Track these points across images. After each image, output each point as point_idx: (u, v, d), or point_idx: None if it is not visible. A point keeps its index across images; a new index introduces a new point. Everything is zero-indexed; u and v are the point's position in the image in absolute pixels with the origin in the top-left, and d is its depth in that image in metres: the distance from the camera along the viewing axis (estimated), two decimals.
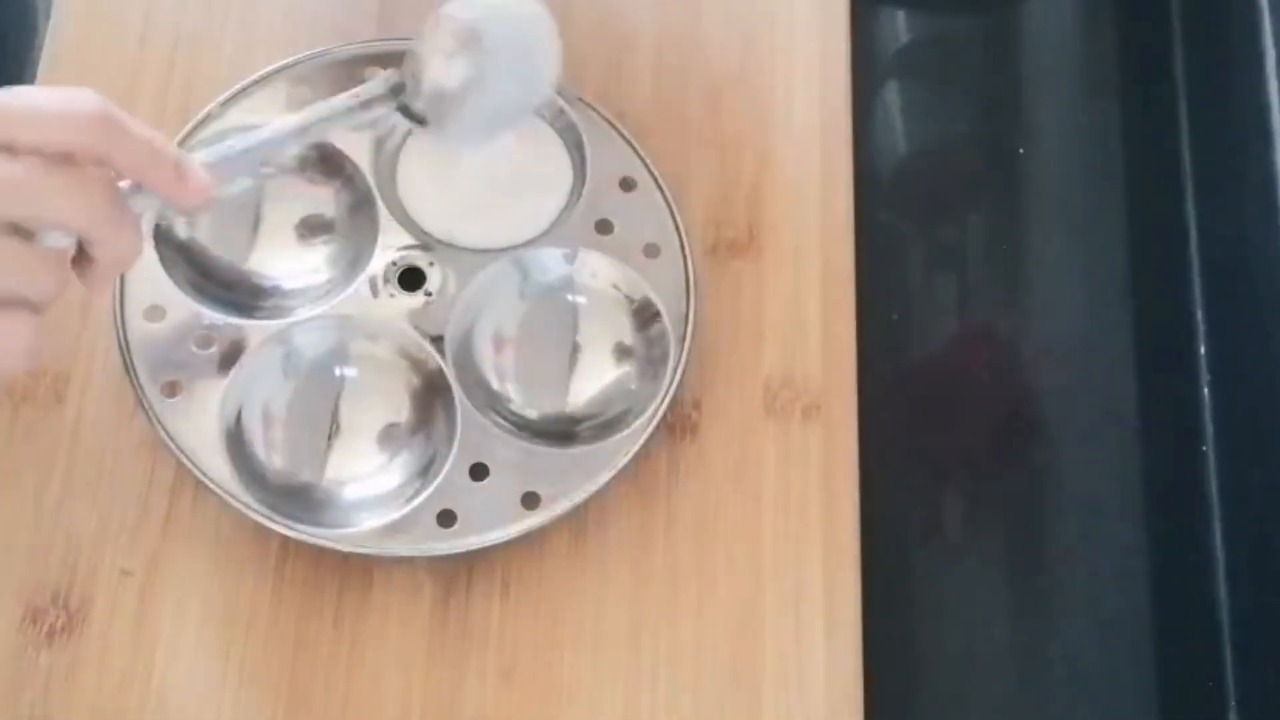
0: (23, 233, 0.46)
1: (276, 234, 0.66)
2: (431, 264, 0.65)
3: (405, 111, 0.58)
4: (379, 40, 0.70)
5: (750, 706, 0.61)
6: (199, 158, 0.52)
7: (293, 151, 0.65)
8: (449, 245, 0.66)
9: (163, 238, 0.65)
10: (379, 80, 0.58)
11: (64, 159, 0.46)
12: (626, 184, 0.67)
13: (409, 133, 0.68)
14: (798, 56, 0.72)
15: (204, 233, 0.66)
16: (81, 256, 0.49)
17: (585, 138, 0.68)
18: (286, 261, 0.66)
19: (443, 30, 0.58)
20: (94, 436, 0.64)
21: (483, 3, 0.59)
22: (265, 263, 0.66)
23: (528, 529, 0.61)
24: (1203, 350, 0.71)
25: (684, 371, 0.64)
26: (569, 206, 0.67)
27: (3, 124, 0.46)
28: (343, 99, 0.57)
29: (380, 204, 0.66)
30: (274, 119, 0.57)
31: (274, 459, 0.63)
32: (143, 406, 0.62)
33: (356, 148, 0.67)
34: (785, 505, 0.64)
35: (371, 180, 0.66)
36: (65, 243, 0.48)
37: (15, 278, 0.46)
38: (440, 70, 0.57)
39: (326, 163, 0.67)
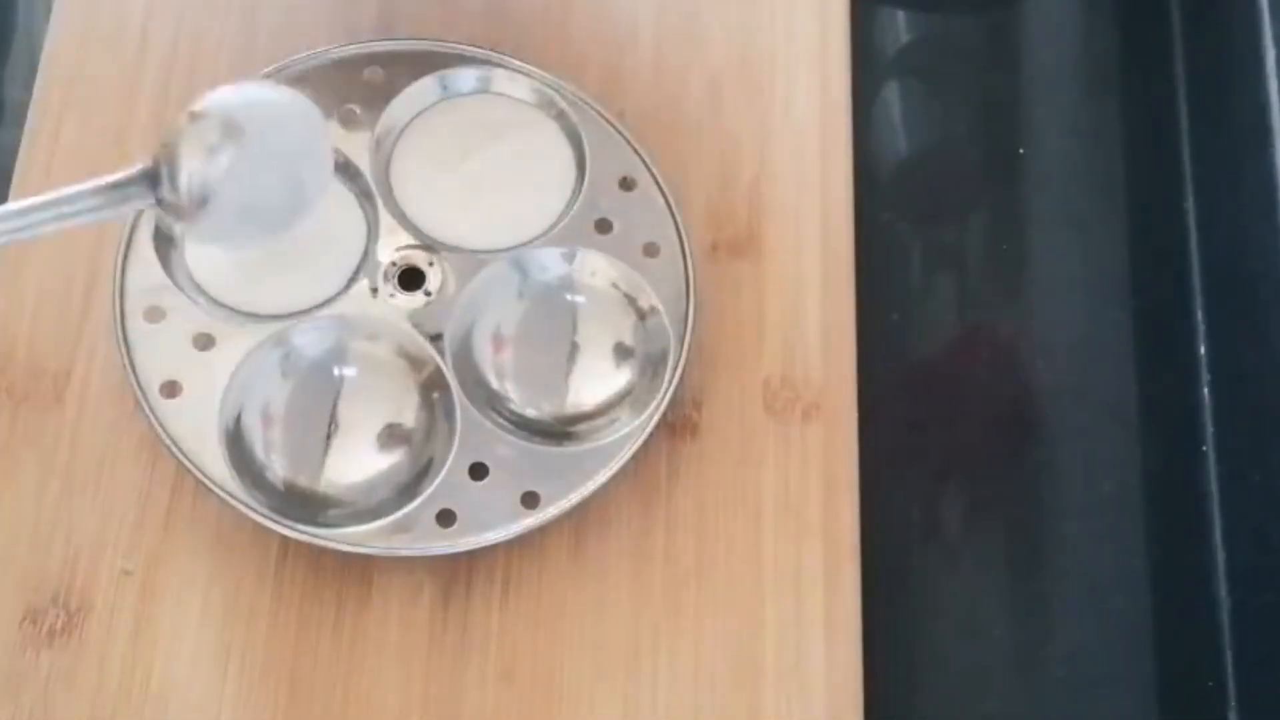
0: None
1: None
2: (431, 264, 0.65)
3: (163, 205, 0.54)
4: (379, 40, 0.70)
5: (750, 706, 0.61)
6: None
7: (28, 238, 0.55)
8: (449, 245, 0.66)
9: (161, 236, 0.65)
10: (131, 169, 0.54)
11: None
12: (626, 184, 0.67)
13: (403, 132, 0.68)
14: (798, 56, 0.72)
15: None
16: None
17: (585, 137, 0.68)
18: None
19: (204, 121, 0.54)
20: (94, 436, 0.64)
21: (247, 96, 0.56)
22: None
23: (527, 529, 0.61)
24: (1203, 350, 0.71)
25: (684, 371, 0.64)
26: (569, 206, 0.67)
27: None
28: (88, 185, 0.53)
29: (380, 204, 0.66)
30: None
31: (274, 459, 0.63)
32: (143, 406, 0.62)
33: (357, 148, 0.67)
34: (785, 505, 0.64)
35: (371, 180, 0.66)
36: None
37: None
38: (199, 161, 0.53)
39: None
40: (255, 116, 0.55)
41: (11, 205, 0.53)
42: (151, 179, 0.54)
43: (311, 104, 0.57)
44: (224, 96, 0.55)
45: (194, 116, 0.54)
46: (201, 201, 0.53)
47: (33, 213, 0.53)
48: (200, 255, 0.65)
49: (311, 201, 0.57)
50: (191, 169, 0.53)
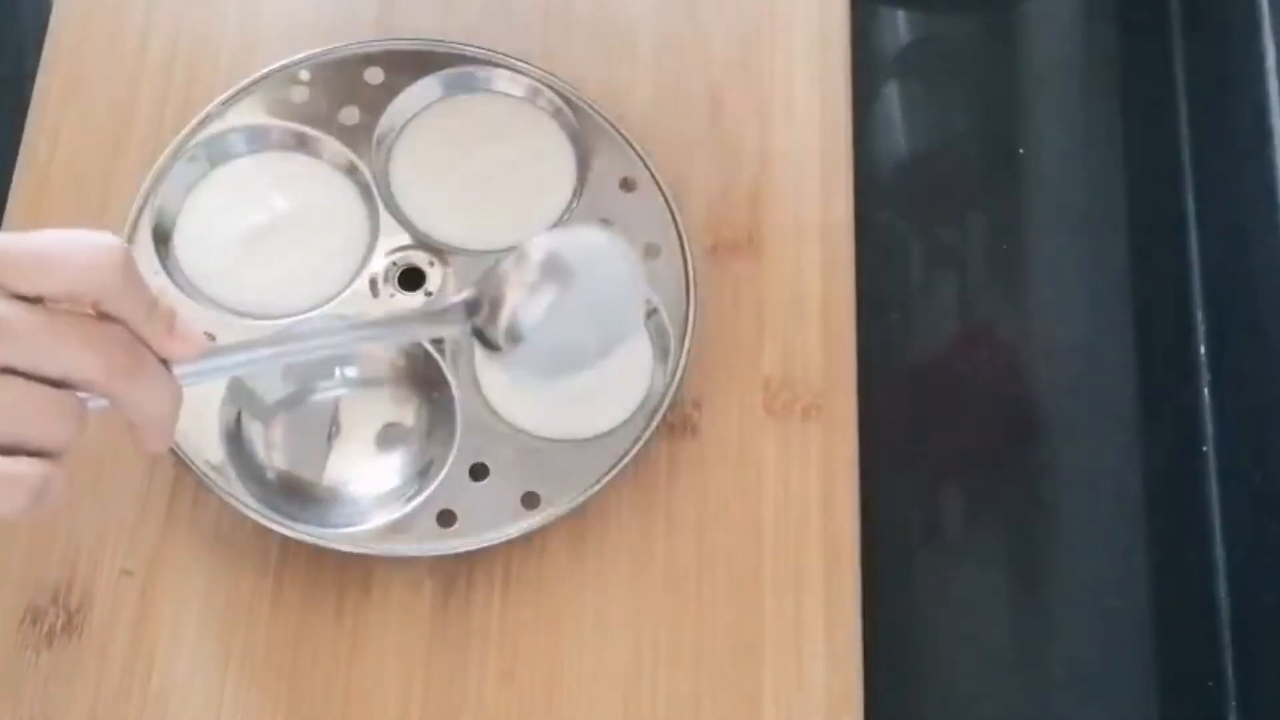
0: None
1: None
2: (431, 264, 0.65)
3: (478, 334, 0.55)
4: (379, 40, 0.70)
5: (750, 706, 0.61)
6: (224, 346, 0.52)
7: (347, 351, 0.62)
8: (449, 245, 0.66)
9: (159, 236, 0.65)
10: (455, 299, 0.56)
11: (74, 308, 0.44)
12: (626, 184, 0.67)
13: (402, 132, 0.68)
14: (798, 56, 0.72)
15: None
16: None
17: (585, 138, 0.68)
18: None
19: (530, 260, 0.55)
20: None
21: (576, 241, 0.58)
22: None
23: (528, 529, 0.61)
24: (1203, 350, 0.71)
25: (684, 371, 0.64)
26: (569, 206, 0.67)
27: (26, 268, 0.43)
28: (413, 310, 0.58)
29: (380, 204, 0.66)
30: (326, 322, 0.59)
31: (274, 459, 0.63)
32: None
33: (358, 148, 0.67)
34: (785, 505, 0.64)
35: (371, 180, 0.66)
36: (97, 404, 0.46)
37: (18, 424, 0.44)
38: (523, 299, 0.54)
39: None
40: (580, 261, 0.55)
41: (326, 325, 0.56)
42: (471, 308, 0.55)
43: (629, 250, 0.57)
44: (552, 238, 0.57)
45: (520, 255, 0.55)
46: (516, 338, 0.54)
47: (345, 332, 0.56)
48: (200, 256, 0.66)
49: (618, 345, 0.57)
50: (516, 304, 0.54)
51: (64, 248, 0.44)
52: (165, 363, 0.47)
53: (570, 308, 0.55)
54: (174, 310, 0.47)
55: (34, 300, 0.44)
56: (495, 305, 0.55)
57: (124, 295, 0.45)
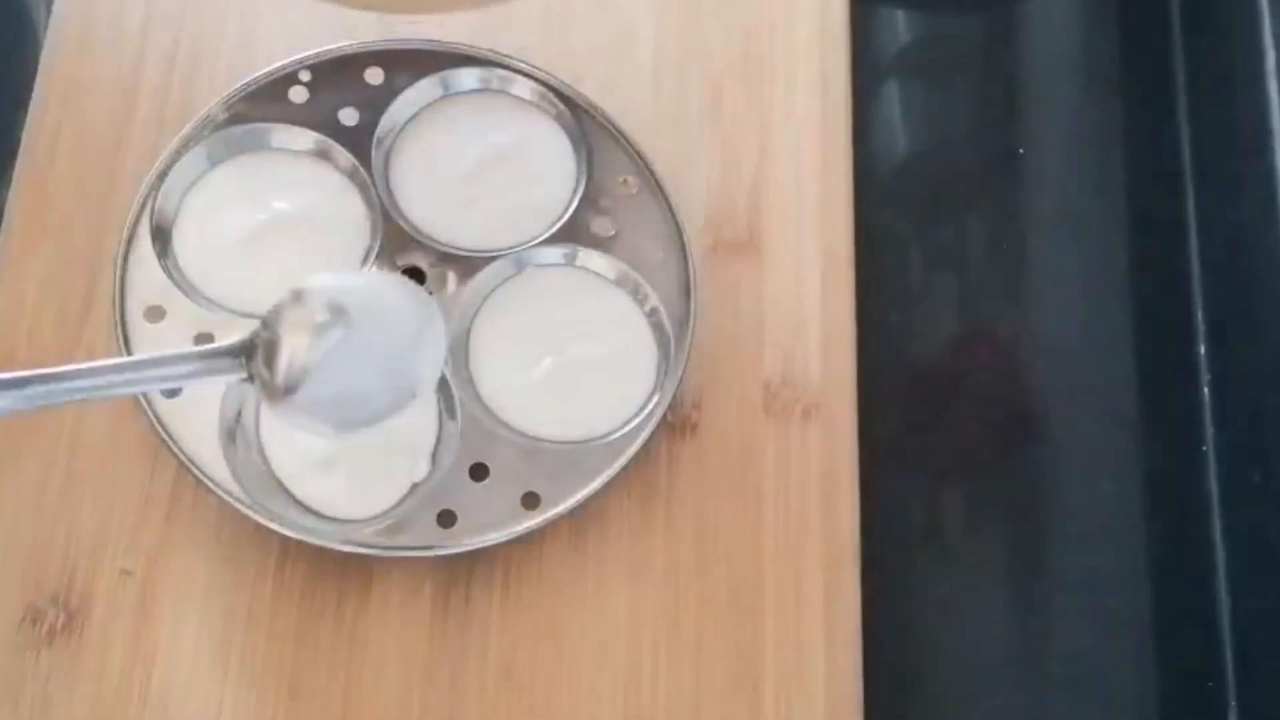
0: None
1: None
2: (431, 264, 0.65)
3: (254, 379, 0.52)
4: (379, 40, 0.70)
5: (750, 706, 0.61)
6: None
7: (107, 397, 0.56)
8: (448, 245, 0.66)
9: (159, 236, 0.65)
10: (226, 342, 0.52)
11: None
12: (626, 184, 0.67)
13: (403, 132, 0.68)
14: (798, 56, 0.72)
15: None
16: None
17: (585, 137, 0.68)
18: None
19: (309, 301, 0.52)
20: (94, 436, 0.64)
21: (360, 284, 0.55)
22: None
23: (528, 529, 0.61)
24: (1203, 350, 0.71)
25: (684, 371, 0.64)
26: (569, 206, 0.67)
27: None
28: (179, 351, 0.53)
29: (380, 204, 0.66)
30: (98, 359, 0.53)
31: (274, 459, 0.63)
32: (143, 406, 0.62)
33: (358, 148, 0.67)
34: (785, 505, 0.64)
35: (371, 180, 0.66)
36: None
37: None
38: (302, 340, 0.51)
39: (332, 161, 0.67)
40: (363, 305, 0.52)
41: (85, 365, 0.51)
42: (245, 351, 0.52)
43: (431, 302, 0.54)
44: (335, 278, 0.53)
45: (298, 295, 0.52)
46: (293, 386, 0.51)
47: (108, 374, 0.51)
48: (200, 256, 0.66)
49: (406, 403, 0.54)
50: (294, 345, 0.51)
51: None
52: None
53: (353, 353, 0.52)
54: None
55: None
56: (273, 347, 0.52)
57: None
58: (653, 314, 0.65)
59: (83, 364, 0.51)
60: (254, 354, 0.52)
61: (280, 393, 0.52)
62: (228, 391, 0.62)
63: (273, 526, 0.60)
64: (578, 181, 0.68)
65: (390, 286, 0.56)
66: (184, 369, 0.53)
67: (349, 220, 0.67)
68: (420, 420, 0.62)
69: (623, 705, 0.60)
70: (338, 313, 0.52)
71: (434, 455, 0.62)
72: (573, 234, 0.66)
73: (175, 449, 0.61)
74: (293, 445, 0.61)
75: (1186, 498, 0.69)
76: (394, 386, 0.54)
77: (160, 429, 0.61)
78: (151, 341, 0.63)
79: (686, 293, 0.65)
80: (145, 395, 0.62)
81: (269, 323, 0.52)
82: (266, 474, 0.62)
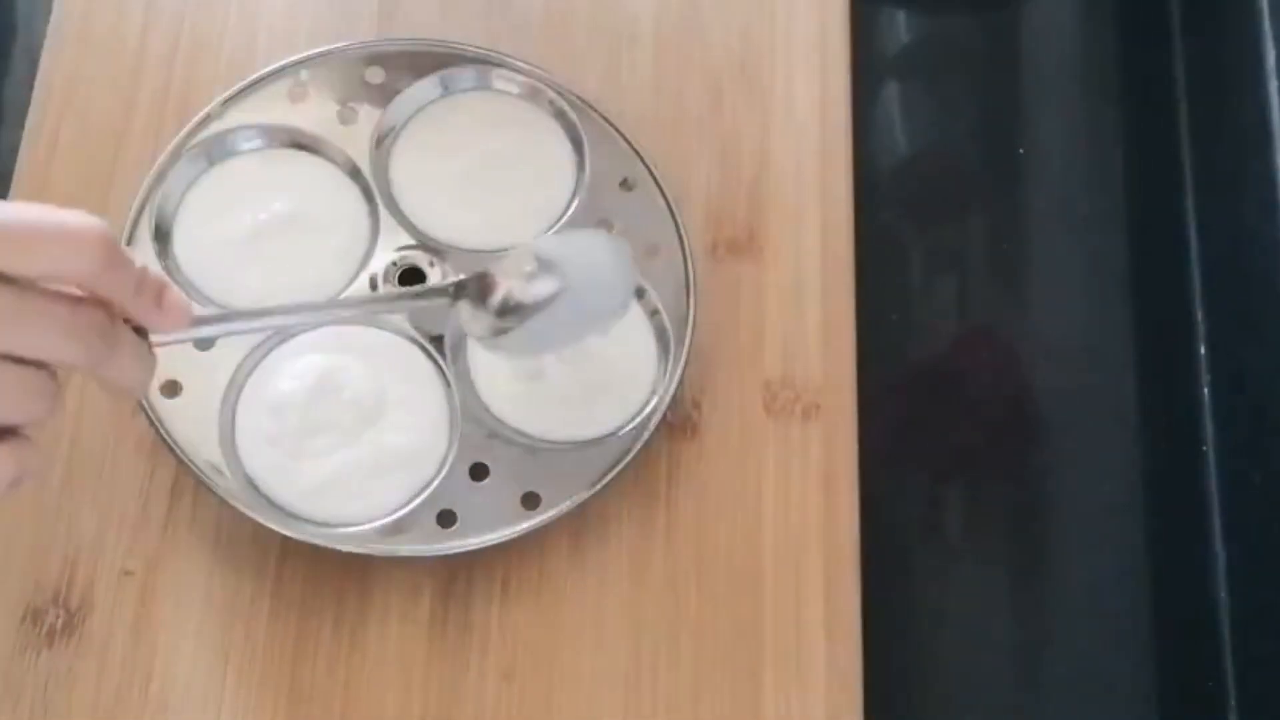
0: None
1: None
2: (431, 264, 0.65)
3: (464, 314, 0.58)
4: (379, 40, 0.70)
5: (750, 707, 0.61)
6: (210, 316, 0.53)
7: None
8: (449, 245, 0.66)
9: (159, 236, 0.65)
10: (443, 282, 0.61)
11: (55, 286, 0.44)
12: (626, 184, 0.67)
13: (402, 132, 0.68)
14: (798, 57, 0.72)
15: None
16: None
17: (585, 137, 0.68)
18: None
19: (524, 255, 0.59)
20: (94, 436, 0.64)
21: (569, 241, 0.62)
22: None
23: (528, 529, 0.61)
24: (1203, 350, 0.71)
25: (684, 371, 0.64)
26: (569, 206, 0.67)
27: (3, 251, 0.43)
28: (398, 290, 0.61)
29: (380, 204, 0.66)
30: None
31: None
32: (143, 406, 0.62)
33: (358, 148, 0.67)
34: (785, 505, 0.64)
35: (371, 180, 0.66)
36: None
37: None
38: (518, 284, 0.58)
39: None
40: (575, 260, 0.59)
41: (308, 301, 0.60)
42: (459, 290, 0.58)
43: (623, 246, 0.61)
44: (551, 240, 0.62)
45: (516, 253, 0.59)
46: (513, 320, 0.57)
47: (329, 309, 0.60)
48: (200, 256, 0.66)
49: (601, 328, 0.60)
50: (511, 287, 0.57)
51: (45, 230, 0.44)
52: (143, 331, 0.47)
53: (563, 299, 0.57)
54: (163, 283, 0.47)
55: (13, 280, 0.43)
56: (486, 289, 0.57)
57: (106, 277, 0.44)
58: (653, 314, 0.65)
59: (307, 301, 0.61)
60: (464, 293, 0.57)
61: (491, 332, 0.57)
62: (227, 393, 0.62)
63: (273, 526, 0.60)
64: (577, 181, 0.68)
65: (597, 242, 0.62)
66: (400, 303, 0.62)
67: (348, 220, 0.67)
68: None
69: (623, 705, 0.60)
70: (546, 265, 0.58)
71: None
72: None
73: (175, 449, 0.61)
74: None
75: (1186, 498, 0.69)
76: (587, 321, 0.59)
77: (160, 429, 0.61)
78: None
79: (686, 293, 0.65)
80: (145, 396, 0.62)
81: (487, 272, 0.58)
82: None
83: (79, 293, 0.45)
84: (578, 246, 0.61)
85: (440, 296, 0.58)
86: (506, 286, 0.57)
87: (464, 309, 0.57)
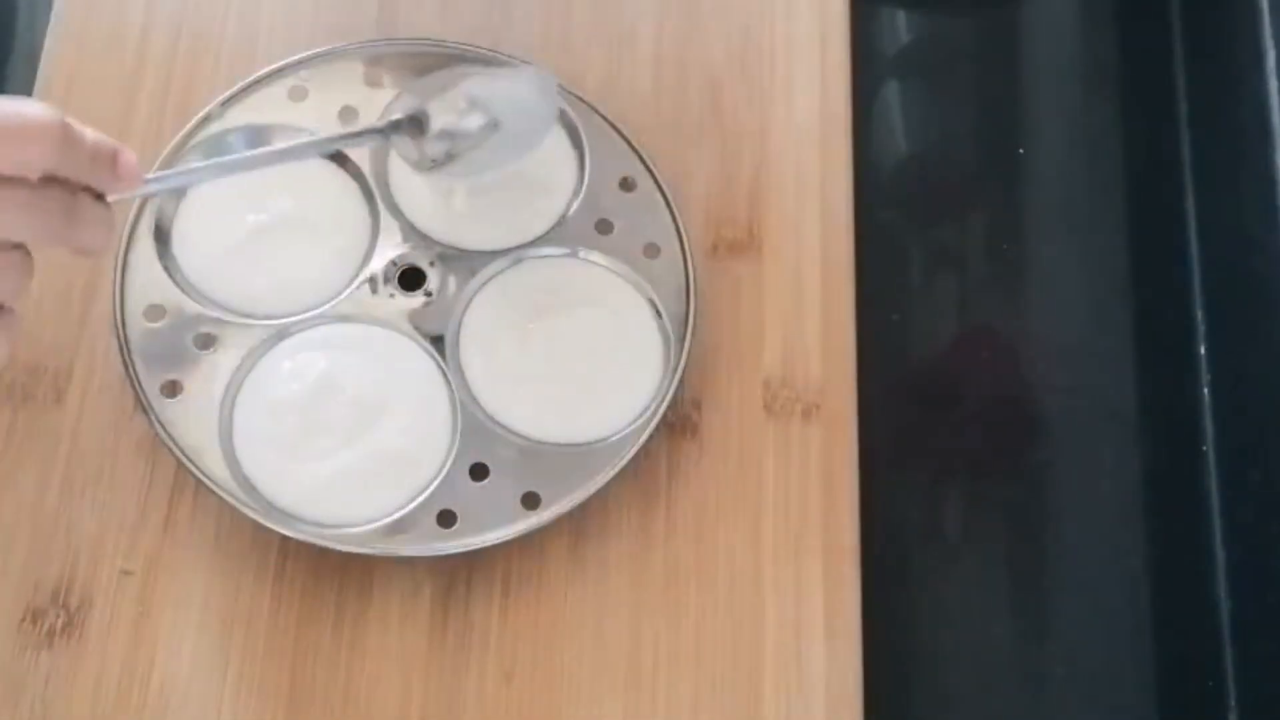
0: None
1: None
2: (432, 264, 0.65)
3: (399, 147, 0.63)
4: (379, 40, 0.70)
5: (750, 707, 0.61)
6: (161, 175, 0.58)
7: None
8: (449, 245, 0.66)
9: (159, 236, 0.65)
10: (379, 122, 0.64)
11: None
12: (626, 184, 0.67)
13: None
14: (798, 57, 0.72)
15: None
16: None
17: (585, 138, 0.68)
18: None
19: (456, 95, 0.64)
20: (94, 436, 0.64)
21: (496, 77, 0.67)
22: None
23: (528, 529, 0.61)
24: (1203, 350, 0.71)
25: (684, 371, 0.64)
26: (569, 206, 0.67)
27: None
28: (331, 135, 0.64)
29: (380, 204, 0.66)
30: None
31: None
32: (143, 406, 0.62)
33: (358, 148, 0.67)
34: (785, 505, 0.64)
35: (371, 180, 0.66)
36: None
37: None
38: (452, 118, 0.63)
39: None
40: (498, 91, 0.65)
41: (241, 156, 0.64)
42: (394, 128, 0.63)
43: (550, 79, 0.65)
44: (471, 82, 0.65)
45: (445, 92, 0.64)
46: (440, 158, 0.63)
47: (275, 154, 0.62)
48: (200, 256, 0.66)
49: (528, 149, 0.65)
50: (447, 119, 0.63)
51: (6, 131, 0.46)
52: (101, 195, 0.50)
53: (492, 130, 0.63)
54: (114, 148, 0.50)
55: None
56: (423, 121, 0.63)
57: (65, 159, 0.47)
58: (653, 314, 0.65)
59: (263, 150, 0.64)
60: (399, 128, 0.63)
61: (428, 163, 0.63)
62: (227, 393, 0.62)
63: (273, 527, 0.60)
64: (578, 181, 0.68)
65: (520, 77, 0.67)
66: (338, 141, 0.66)
67: (349, 220, 0.67)
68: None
69: (623, 705, 0.60)
70: (476, 102, 0.63)
71: None
72: (572, 233, 0.66)
73: (175, 449, 0.61)
74: None
75: (1186, 498, 0.69)
76: (523, 152, 0.65)
77: (160, 429, 0.61)
78: (151, 340, 0.63)
79: (686, 293, 0.65)
80: (145, 396, 0.62)
81: (421, 110, 0.63)
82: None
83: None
84: (504, 82, 0.66)
85: (376, 135, 0.63)
86: (443, 120, 0.63)
87: (402, 143, 0.63)
